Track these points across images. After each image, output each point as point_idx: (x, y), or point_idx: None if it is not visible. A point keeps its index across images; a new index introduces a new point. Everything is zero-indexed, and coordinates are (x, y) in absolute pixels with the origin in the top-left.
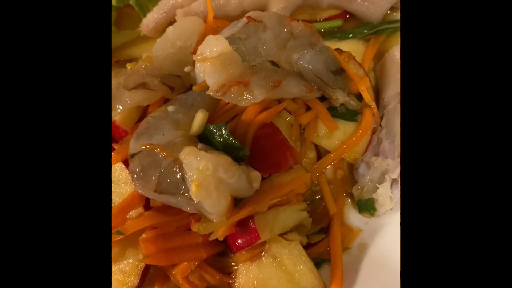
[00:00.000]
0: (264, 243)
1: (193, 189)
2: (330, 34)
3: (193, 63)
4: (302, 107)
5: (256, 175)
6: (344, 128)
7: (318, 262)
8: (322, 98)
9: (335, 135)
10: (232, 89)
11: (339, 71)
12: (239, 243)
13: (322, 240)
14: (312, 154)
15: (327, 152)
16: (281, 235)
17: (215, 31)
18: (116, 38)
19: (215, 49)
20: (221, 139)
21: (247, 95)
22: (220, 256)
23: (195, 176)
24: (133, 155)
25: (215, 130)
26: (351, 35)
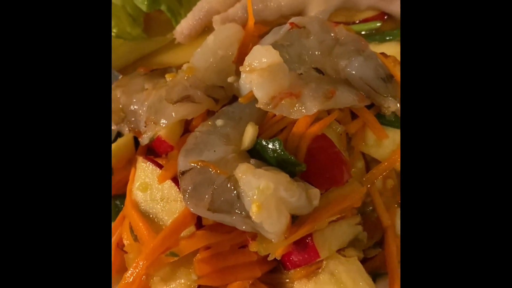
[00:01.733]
0: (321, 260)
1: (254, 209)
2: (368, 36)
3: (235, 73)
4: (348, 115)
5: (316, 192)
6: (394, 136)
7: (374, 276)
8: (369, 106)
9: (384, 144)
10: (283, 101)
11: (389, 78)
12: (295, 261)
13: (378, 254)
14: (360, 164)
15: (374, 160)
16: (338, 251)
17: (256, 38)
18: (146, 45)
19: (264, 60)
20: (275, 154)
21: (300, 108)
22: (273, 273)
23: (255, 197)
24: (183, 173)
25: (268, 145)
26: (389, 37)
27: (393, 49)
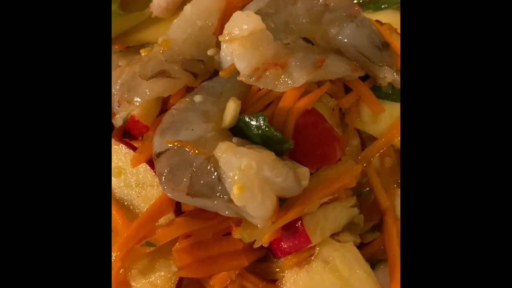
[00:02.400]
0: (313, 246)
1: (235, 191)
2: (362, 5)
3: (216, 45)
4: (341, 89)
5: (305, 171)
6: (391, 110)
7: (373, 263)
8: (363, 78)
9: (381, 119)
10: (267, 73)
11: (385, 46)
12: (284, 248)
13: (376, 239)
14: (355, 141)
15: (371, 138)
16: (332, 236)
17: (238, 8)
18: (123, 22)
19: (245, 27)
20: (259, 131)
21: (286, 79)
22: (262, 262)
23: (236, 177)
24: (159, 154)
25: (251, 121)
26: (385, 6)
27: (389, 17)
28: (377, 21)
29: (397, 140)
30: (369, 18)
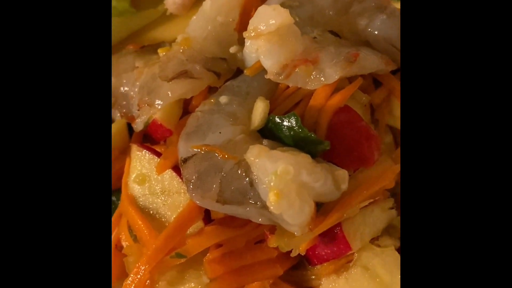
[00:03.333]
0: (352, 252)
1: (272, 198)
2: None
3: (238, 42)
4: (371, 84)
5: (343, 174)
6: None
7: None
8: (393, 72)
9: None
10: (297, 70)
11: None
12: (322, 255)
13: None
14: (388, 139)
15: None
16: (371, 241)
17: (259, 2)
18: (136, 20)
19: (272, 21)
20: (291, 132)
21: (318, 76)
22: (296, 269)
23: (273, 183)
24: (185, 160)
25: (283, 122)
26: None
27: None
28: None
29: None
30: (398, 9)
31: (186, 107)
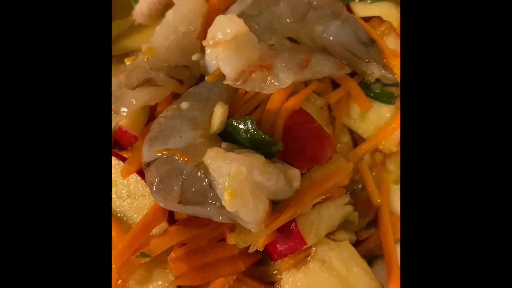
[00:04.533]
0: (309, 246)
1: (226, 198)
2: None
3: (201, 50)
4: (329, 85)
5: (295, 173)
6: (379, 111)
7: (369, 259)
8: (350, 75)
9: (369, 118)
10: (254, 75)
11: (371, 42)
12: (280, 250)
13: (372, 235)
14: (346, 138)
15: (361, 139)
16: (327, 235)
17: (221, 11)
18: None
19: (228, 30)
20: (248, 134)
21: (272, 81)
22: (259, 265)
23: (227, 183)
24: (148, 164)
25: (239, 125)
26: None
27: (385, 10)
28: (377, 17)
29: (384, 143)
30: (366, 12)
31: (152, 114)
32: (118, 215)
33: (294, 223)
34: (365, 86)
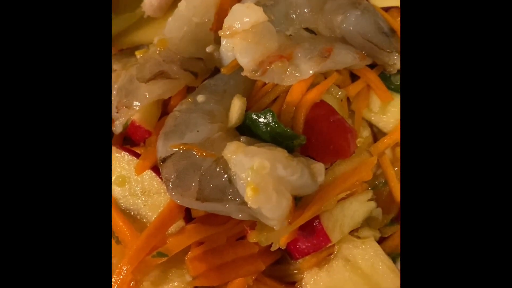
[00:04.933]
0: (333, 244)
1: (249, 193)
2: None
3: (214, 41)
4: (348, 78)
5: (320, 167)
6: (400, 104)
7: (395, 256)
8: (371, 67)
9: (390, 111)
10: (273, 66)
11: (392, 32)
12: (302, 249)
13: (396, 231)
14: (366, 132)
15: (381, 133)
16: (351, 233)
17: (235, 1)
18: (115, 24)
19: (246, 19)
20: (268, 128)
21: (293, 71)
22: (279, 264)
23: (249, 178)
24: (164, 159)
25: (259, 119)
26: None
27: (398, 0)
28: (395, 7)
29: None
30: (375, 3)
31: (165, 108)
32: (132, 213)
33: (317, 220)
34: (385, 78)
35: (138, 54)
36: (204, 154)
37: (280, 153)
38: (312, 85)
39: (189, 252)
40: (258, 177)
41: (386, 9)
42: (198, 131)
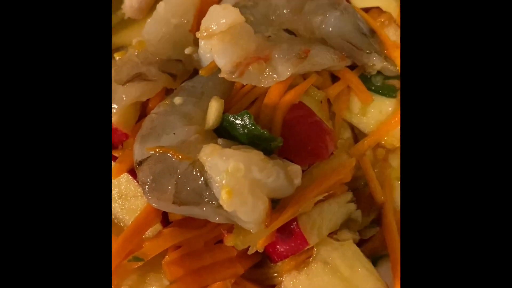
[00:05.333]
0: (311, 247)
1: (224, 196)
2: None
3: (193, 43)
4: (328, 79)
5: (296, 169)
6: (380, 105)
7: (374, 259)
8: (351, 68)
9: (370, 113)
10: (250, 68)
11: (371, 33)
12: (281, 252)
13: (376, 234)
14: (347, 134)
15: (362, 134)
16: (330, 235)
17: (214, 2)
18: None
19: (223, 20)
20: (245, 130)
21: (270, 73)
22: (258, 268)
23: (224, 181)
24: (140, 163)
25: (236, 121)
26: None
27: (380, 1)
28: (376, 8)
29: (386, 139)
30: (359, 3)
31: (143, 110)
32: None
33: (295, 223)
34: (366, 79)
35: (117, 56)
36: (180, 157)
37: (256, 156)
38: (291, 86)
39: (166, 256)
40: (233, 180)
41: (367, 10)
42: (174, 133)
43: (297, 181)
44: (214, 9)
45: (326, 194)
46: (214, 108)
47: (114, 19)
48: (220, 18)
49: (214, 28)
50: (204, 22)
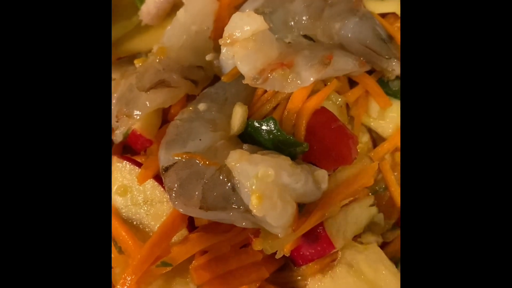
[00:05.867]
0: (336, 250)
1: (254, 201)
2: None
3: (214, 50)
4: (346, 85)
5: (323, 174)
6: (399, 109)
7: (396, 261)
8: (369, 73)
9: (388, 117)
10: (274, 74)
11: (390, 38)
12: (306, 255)
13: (397, 236)
14: (365, 138)
15: (380, 138)
16: (354, 238)
17: (232, 9)
18: (112, 32)
19: (247, 28)
20: (270, 135)
21: (294, 79)
22: (282, 271)
23: (254, 186)
24: (167, 169)
25: (261, 126)
26: None
27: (395, 6)
28: (392, 13)
29: None
30: (374, 10)
31: (165, 116)
32: (135, 223)
33: (321, 227)
34: (383, 84)
35: (137, 63)
36: (207, 162)
37: (284, 161)
38: (312, 92)
39: (193, 261)
40: (263, 185)
41: (383, 15)
42: (200, 139)
43: (324, 185)
44: (237, 16)
45: (352, 198)
46: (239, 114)
47: (129, 25)
48: (244, 25)
49: (238, 35)
50: (227, 29)
